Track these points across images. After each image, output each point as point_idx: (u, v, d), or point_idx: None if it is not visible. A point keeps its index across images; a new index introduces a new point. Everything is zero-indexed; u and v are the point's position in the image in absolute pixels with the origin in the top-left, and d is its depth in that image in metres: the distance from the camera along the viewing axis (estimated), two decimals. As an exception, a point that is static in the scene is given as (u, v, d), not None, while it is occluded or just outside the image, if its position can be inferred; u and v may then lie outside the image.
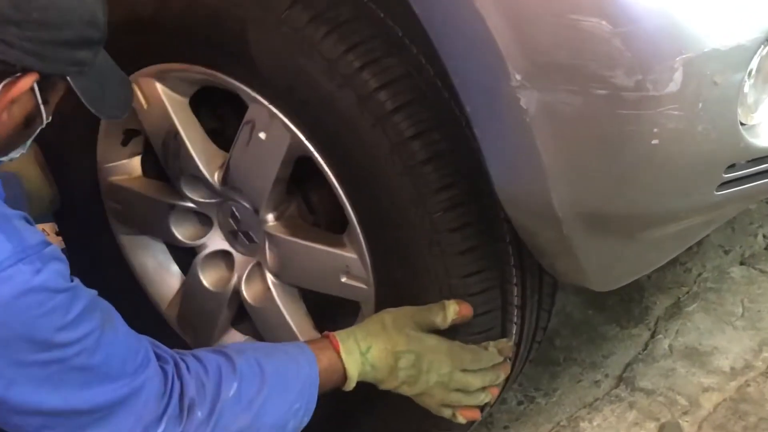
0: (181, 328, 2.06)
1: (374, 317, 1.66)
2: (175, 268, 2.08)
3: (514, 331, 1.75)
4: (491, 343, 1.70)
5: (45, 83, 1.37)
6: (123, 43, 1.59)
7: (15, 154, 1.48)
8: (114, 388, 1.36)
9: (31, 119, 1.41)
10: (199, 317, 2.01)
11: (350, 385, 1.58)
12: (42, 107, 1.40)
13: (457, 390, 1.65)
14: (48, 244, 1.32)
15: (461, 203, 1.59)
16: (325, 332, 1.63)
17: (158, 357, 1.44)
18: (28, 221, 1.35)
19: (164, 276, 2.09)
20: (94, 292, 1.37)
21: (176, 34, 1.74)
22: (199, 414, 1.43)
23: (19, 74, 1.32)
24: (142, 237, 2.08)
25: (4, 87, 1.32)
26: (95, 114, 1.48)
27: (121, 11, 1.52)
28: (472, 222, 1.61)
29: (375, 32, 1.57)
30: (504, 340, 1.72)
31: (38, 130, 1.47)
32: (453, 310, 1.62)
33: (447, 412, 1.67)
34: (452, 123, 1.55)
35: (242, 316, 2.03)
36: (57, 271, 1.31)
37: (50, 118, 1.46)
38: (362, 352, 1.59)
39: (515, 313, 1.73)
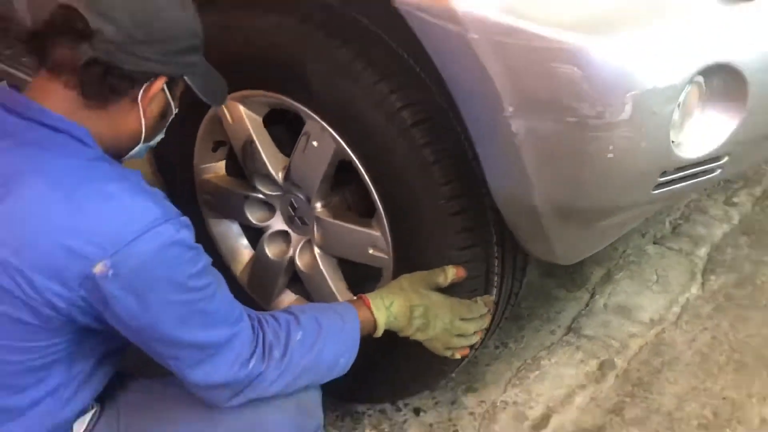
0: (250, 289, 2.07)
1: (394, 281, 1.70)
2: (246, 243, 2.10)
3: (494, 293, 1.78)
4: (479, 298, 1.75)
5: (171, 83, 1.42)
6: (219, 73, 1.58)
7: (156, 140, 1.52)
8: (222, 331, 1.40)
9: (165, 112, 1.46)
10: (264, 281, 2.04)
11: (379, 332, 1.63)
12: (171, 101, 1.45)
13: (457, 335, 1.71)
14: (182, 215, 1.35)
15: (458, 195, 1.63)
16: (359, 294, 1.67)
17: (248, 314, 1.47)
18: (166, 198, 1.38)
19: (239, 249, 2.11)
20: (210, 258, 1.39)
21: (256, 69, 1.77)
22: (276, 354, 1.46)
23: (152, 79, 1.37)
24: (224, 220, 2.10)
25: (144, 90, 1.36)
26: (207, 102, 1.51)
27: (216, 53, 1.51)
28: (466, 209, 1.65)
29: (400, 71, 1.60)
30: (488, 295, 1.77)
31: (170, 120, 1.50)
32: (452, 273, 1.68)
33: (448, 353, 1.73)
34: (454, 137, 1.59)
35: (294, 281, 2.04)
36: (189, 233, 1.34)
37: (177, 109, 1.50)
38: (387, 307, 1.63)
39: (495, 280, 1.77)
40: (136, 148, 1.47)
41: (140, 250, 1.27)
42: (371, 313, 1.62)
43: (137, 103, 1.38)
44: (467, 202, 1.65)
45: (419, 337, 1.68)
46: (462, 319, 1.71)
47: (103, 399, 1.54)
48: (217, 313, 1.39)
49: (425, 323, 1.67)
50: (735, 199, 2.69)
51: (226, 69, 1.56)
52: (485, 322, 1.76)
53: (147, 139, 1.46)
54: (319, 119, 1.71)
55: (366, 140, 1.67)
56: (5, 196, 1.28)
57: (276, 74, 1.74)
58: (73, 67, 1.30)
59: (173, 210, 1.35)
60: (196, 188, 2.06)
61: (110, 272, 1.25)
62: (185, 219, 1.35)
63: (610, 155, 1.39)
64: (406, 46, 1.57)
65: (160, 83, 1.38)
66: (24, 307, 1.28)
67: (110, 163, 1.38)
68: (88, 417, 1.50)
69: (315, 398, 1.61)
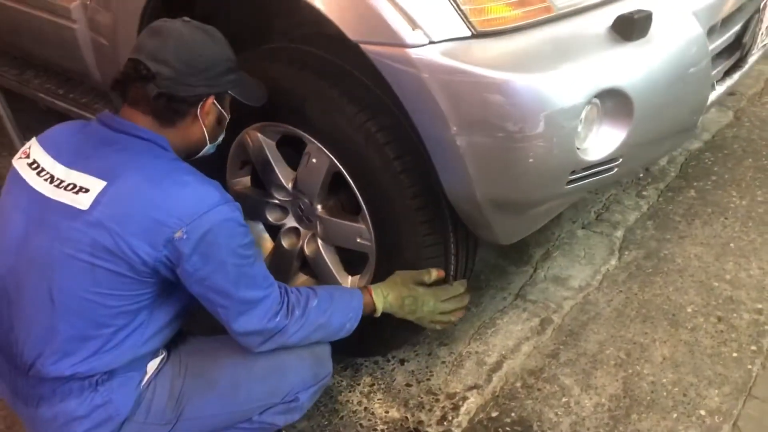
0: (272, 272, 1.87)
1: (391, 277, 1.73)
2: (269, 237, 2.11)
3: (451, 270, 1.79)
4: (455, 282, 1.79)
5: (219, 98, 1.51)
6: (243, 111, 1.66)
7: (219, 140, 1.60)
8: (259, 291, 1.46)
9: (219, 119, 1.55)
10: (282, 266, 2.05)
11: (378, 313, 1.68)
12: (222, 110, 1.54)
13: (440, 312, 1.76)
14: (235, 201, 1.43)
15: (420, 195, 1.66)
16: (366, 285, 1.72)
17: (277, 283, 1.53)
18: (222, 187, 1.44)
19: (264, 242, 2.10)
20: (253, 237, 1.46)
21: (270, 106, 1.73)
22: (297, 313, 1.52)
23: (204, 99, 1.47)
24: (251, 221, 2.05)
25: (200, 107, 1.47)
26: (250, 104, 1.58)
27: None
28: (427, 205, 1.67)
29: (374, 103, 1.63)
30: (464, 280, 1.81)
31: (225, 125, 1.58)
32: (434, 274, 1.73)
33: (433, 326, 1.80)
34: (416, 152, 1.60)
35: (304, 266, 2.05)
36: (240, 214, 1.43)
37: (229, 115, 1.58)
38: (384, 297, 1.68)
39: (452, 259, 1.79)
40: (206, 148, 1.56)
41: (207, 222, 1.36)
42: (372, 299, 1.68)
43: (198, 118, 1.48)
44: (427, 200, 1.67)
45: (410, 317, 1.74)
46: (443, 301, 1.75)
47: (169, 348, 1.59)
48: (257, 277, 1.46)
49: (414, 309, 1.72)
50: (644, 193, 2.69)
51: (248, 107, 1.62)
52: (465, 301, 1.81)
53: (211, 140, 1.56)
54: (316, 142, 1.74)
55: (351, 157, 1.69)
56: (112, 183, 1.37)
57: (284, 110, 1.77)
58: (147, 100, 1.43)
59: (229, 197, 1.43)
60: None
61: (185, 236, 1.35)
62: (238, 204, 1.44)
63: (531, 160, 1.44)
64: (378, 85, 1.59)
65: (211, 100, 1.48)
66: (123, 263, 1.36)
67: (182, 162, 1.47)
68: (158, 359, 1.55)
69: (326, 351, 1.66)
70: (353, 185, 1.72)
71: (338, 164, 1.72)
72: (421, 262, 1.74)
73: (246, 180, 2.06)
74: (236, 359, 1.56)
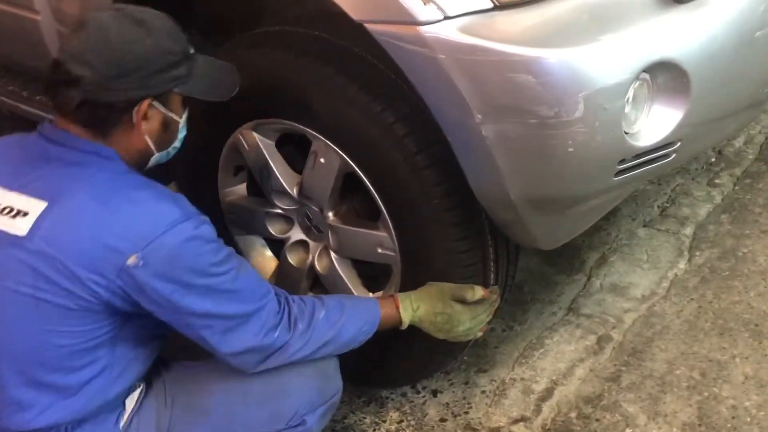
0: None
1: (424, 287, 1.73)
2: (271, 254, 2.14)
3: (491, 278, 1.79)
4: (490, 289, 1.77)
5: (161, 98, 1.48)
6: (234, 107, 1.68)
7: (174, 147, 1.58)
8: (248, 303, 1.47)
9: (166, 123, 1.52)
10: (289, 287, 1.93)
11: (404, 326, 1.69)
12: (169, 114, 1.51)
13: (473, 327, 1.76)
14: (201, 214, 1.45)
15: (450, 193, 1.66)
16: (392, 293, 1.73)
17: (276, 292, 1.54)
18: (187, 201, 1.46)
19: (264, 260, 2.13)
20: (232, 249, 1.48)
21: (266, 100, 1.81)
22: (300, 326, 1.53)
23: (138, 102, 1.44)
24: (249, 236, 2.13)
25: (135, 112, 1.44)
26: (207, 99, 1.54)
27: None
28: (458, 205, 1.67)
29: (389, 90, 1.64)
30: (495, 287, 1.80)
31: (181, 130, 1.56)
32: (479, 292, 1.73)
33: (463, 339, 1.79)
34: (441, 144, 1.57)
35: (314, 284, 2.04)
36: (208, 229, 1.43)
37: (183, 117, 1.55)
38: (414, 309, 1.69)
39: (491, 265, 1.79)
40: (154, 158, 1.56)
41: (165, 244, 1.37)
42: (397, 310, 1.69)
43: (133, 125, 1.47)
44: (458, 199, 1.67)
45: (440, 336, 1.75)
46: (475, 317, 1.76)
47: (149, 378, 1.62)
48: (243, 291, 1.48)
49: (446, 328, 1.73)
50: (717, 181, 2.69)
51: (240, 102, 1.65)
52: (496, 304, 1.82)
53: (159, 149, 1.55)
54: (324, 139, 1.75)
55: (366, 153, 1.70)
56: (53, 204, 1.39)
57: (283, 103, 1.79)
58: (71, 107, 1.42)
59: (193, 210, 1.45)
60: (222, 210, 2.10)
61: (141, 263, 1.36)
62: (204, 218, 1.45)
63: (570, 149, 1.43)
64: (392, 68, 1.58)
65: (146, 104, 1.45)
66: (70, 295, 1.38)
67: (136, 175, 1.49)
68: (136, 394, 1.57)
69: (333, 365, 1.68)
70: (370, 187, 1.73)
71: (351, 163, 1.74)
72: (454, 272, 1.76)
73: (241, 188, 2.07)
74: (229, 383, 1.59)
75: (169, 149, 1.59)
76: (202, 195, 2.08)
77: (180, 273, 1.40)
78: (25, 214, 1.39)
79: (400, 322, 1.69)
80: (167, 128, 1.54)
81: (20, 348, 1.42)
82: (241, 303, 1.48)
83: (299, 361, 1.57)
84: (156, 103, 1.48)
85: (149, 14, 1.48)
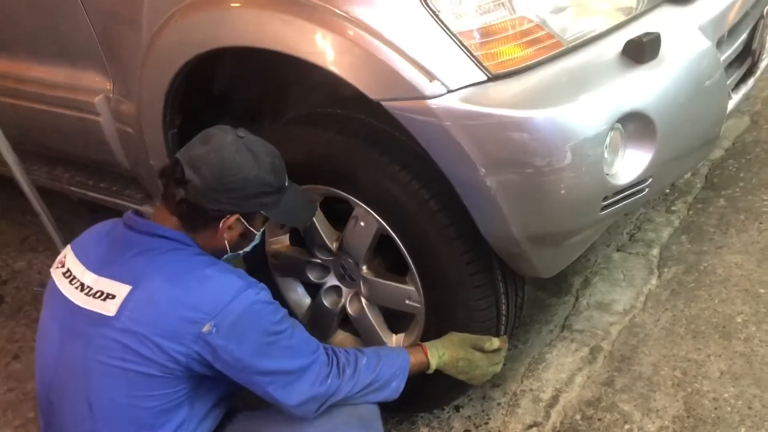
0: (310, 329, 1.82)
1: (447, 336, 1.73)
2: (304, 293, 2.13)
3: (503, 310, 1.78)
4: (502, 338, 1.78)
5: (246, 216, 1.52)
6: (289, 173, 1.60)
7: (245, 250, 1.61)
8: (303, 359, 1.47)
9: (244, 235, 1.56)
10: (321, 324, 2.05)
11: (431, 370, 1.70)
12: (250, 228, 1.55)
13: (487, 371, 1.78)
14: (260, 282, 1.46)
15: (469, 250, 1.64)
16: (419, 343, 1.73)
17: (323, 346, 1.54)
18: (246, 274, 1.47)
19: (300, 300, 2.13)
20: (286, 311, 1.48)
21: (318, 170, 1.77)
22: (348, 372, 1.53)
23: (228, 215, 1.49)
24: (289, 279, 2.11)
25: (223, 222, 1.49)
26: (287, 224, 1.59)
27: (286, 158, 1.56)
28: (476, 259, 1.66)
29: (425, 169, 1.59)
30: (505, 336, 1.81)
31: (255, 239, 1.59)
32: (496, 343, 1.76)
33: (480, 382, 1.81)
34: (457, 202, 1.55)
35: (343, 323, 2.06)
36: (267, 294, 1.44)
37: (260, 231, 1.59)
38: (440, 356, 1.70)
39: (503, 320, 1.79)
40: (225, 257, 1.57)
41: (233, 310, 1.38)
42: (426, 356, 1.70)
43: (219, 230, 1.50)
44: (476, 254, 1.67)
45: (460, 377, 1.77)
46: (491, 363, 1.79)
47: (217, 430, 1.60)
48: (298, 347, 1.48)
49: (466, 371, 1.75)
50: (673, 207, 2.68)
51: (295, 170, 1.63)
52: (504, 350, 1.83)
53: (233, 251, 1.58)
54: (365, 206, 1.74)
55: (402, 222, 1.69)
56: (137, 286, 1.40)
57: (332, 174, 1.77)
58: (174, 201, 1.46)
59: (253, 280, 1.45)
60: (267, 257, 2.08)
61: (214, 330, 1.37)
62: (263, 285, 1.46)
63: (563, 191, 1.44)
64: (415, 142, 1.53)
65: (234, 218, 1.50)
66: (154, 364, 1.39)
67: (206, 256, 1.50)
68: None
69: (374, 413, 1.64)
70: (404, 250, 1.72)
71: (388, 228, 1.72)
72: (474, 324, 1.76)
73: (285, 238, 2.06)
74: (283, 428, 1.56)
75: (239, 252, 1.61)
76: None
77: (248, 334, 1.40)
78: (113, 296, 1.41)
79: (428, 366, 1.70)
80: (245, 238, 1.57)
81: (115, 411, 1.42)
82: (298, 358, 1.47)
83: (350, 400, 1.56)
84: (242, 219, 1.51)
85: (263, 149, 1.50)
